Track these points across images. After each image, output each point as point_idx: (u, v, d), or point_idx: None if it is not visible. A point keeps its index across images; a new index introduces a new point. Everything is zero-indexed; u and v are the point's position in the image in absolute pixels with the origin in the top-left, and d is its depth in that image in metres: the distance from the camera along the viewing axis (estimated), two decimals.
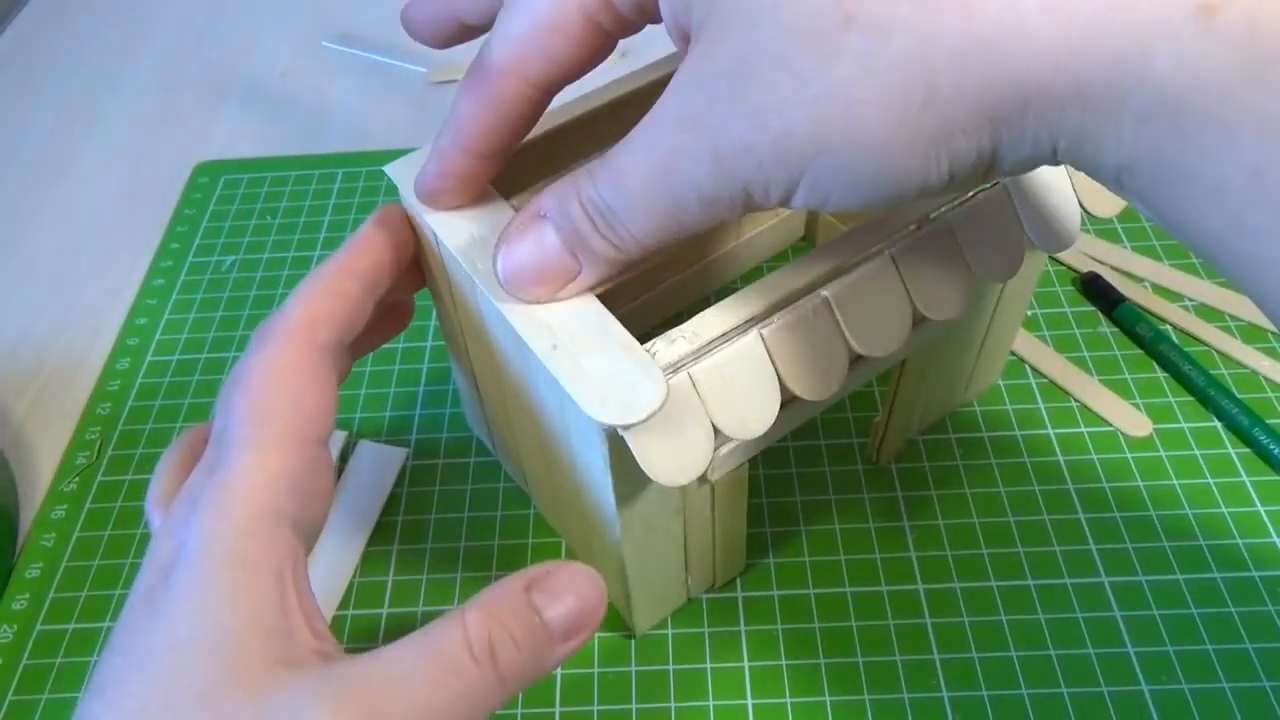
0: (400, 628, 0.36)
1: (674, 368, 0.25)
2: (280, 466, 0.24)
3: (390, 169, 0.30)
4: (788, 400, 0.27)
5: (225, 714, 0.21)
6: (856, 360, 0.28)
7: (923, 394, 0.38)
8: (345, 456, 0.41)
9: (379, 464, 0.41)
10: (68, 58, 0.66)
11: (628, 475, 0.27)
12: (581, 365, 0.25)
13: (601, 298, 0.27)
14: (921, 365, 0.36)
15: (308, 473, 0.25)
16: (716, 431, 0.26)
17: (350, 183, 0.54)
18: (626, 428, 0.24)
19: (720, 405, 0.26)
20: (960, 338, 0.36)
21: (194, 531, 0.23)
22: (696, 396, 0.25)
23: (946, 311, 0.29)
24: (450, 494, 0.40)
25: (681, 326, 0.26)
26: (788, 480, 0.39)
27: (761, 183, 0.22)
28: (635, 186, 0.23)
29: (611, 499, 0.28)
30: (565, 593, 0.24)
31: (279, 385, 0.25)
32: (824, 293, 0.27)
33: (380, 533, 0.39)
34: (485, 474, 0.41)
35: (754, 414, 0.26)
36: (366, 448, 0.41)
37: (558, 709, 0.34)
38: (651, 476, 0.25)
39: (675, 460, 0.25)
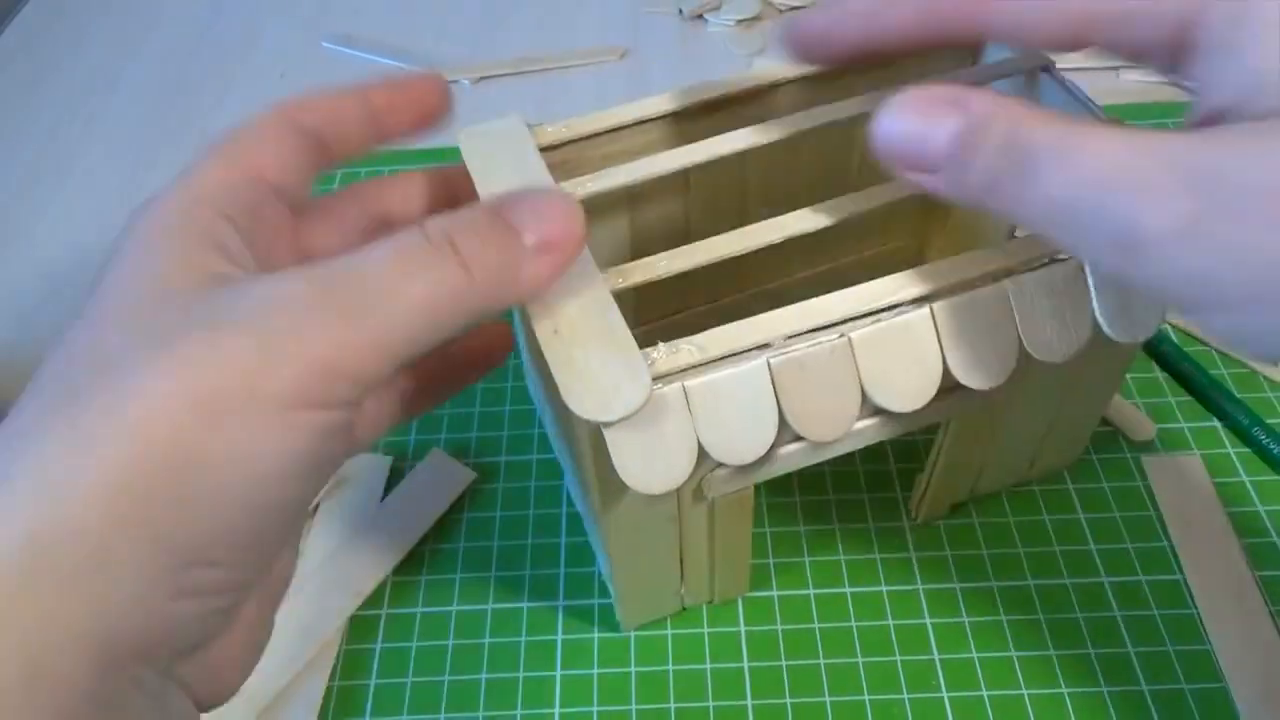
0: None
1: (669, 377, 0.25)
2: (219, 175, 0.23)
3: (463, 136, 0.31)
4: (793, 436, 0.26)
5: (159, 301, 0.20)
6: (878, 412, 0.27)
7: (973, 462, 0.36)
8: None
9: (443, 478, 0.40)
10: (68, 58, 0.66)
11: (610, 472, 0.27)
12: (574, 356, 0.25)
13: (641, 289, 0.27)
14: (971, 431, 0.33)
15: (247, 189, 0.23)
16: (704, 450, 0.25)
17: (350, 184, 0.54)
18: (601, 425, 0.24)
19: (710, 424, 0.25)
20: (1022, 411, 0.34)
21: (138, 217, 0.22)
22: (686, 410, 0.25)
23: (982, 381, 0.27)
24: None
25: (693, 337, 0.26)
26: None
27: None
28: (1086, 172, 0.20)
29: (597, 490, 0.28)
30: (532, 204, 0.23)
31: (236, 134, 0.24)
32: (848, 333, 0.26)
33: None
34: (505, 472, 0.41)
35: (745, 441, 0.26)
36: (438, 456, 0.40)
37: (557, 710, 0.34)
38: (623, 478, 0.25)
39: (651, 468, 0.25)
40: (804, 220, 0.29)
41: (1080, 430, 0.37)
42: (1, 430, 0.20)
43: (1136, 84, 0.57)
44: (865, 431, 0.29)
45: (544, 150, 0.31)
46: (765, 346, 0.26)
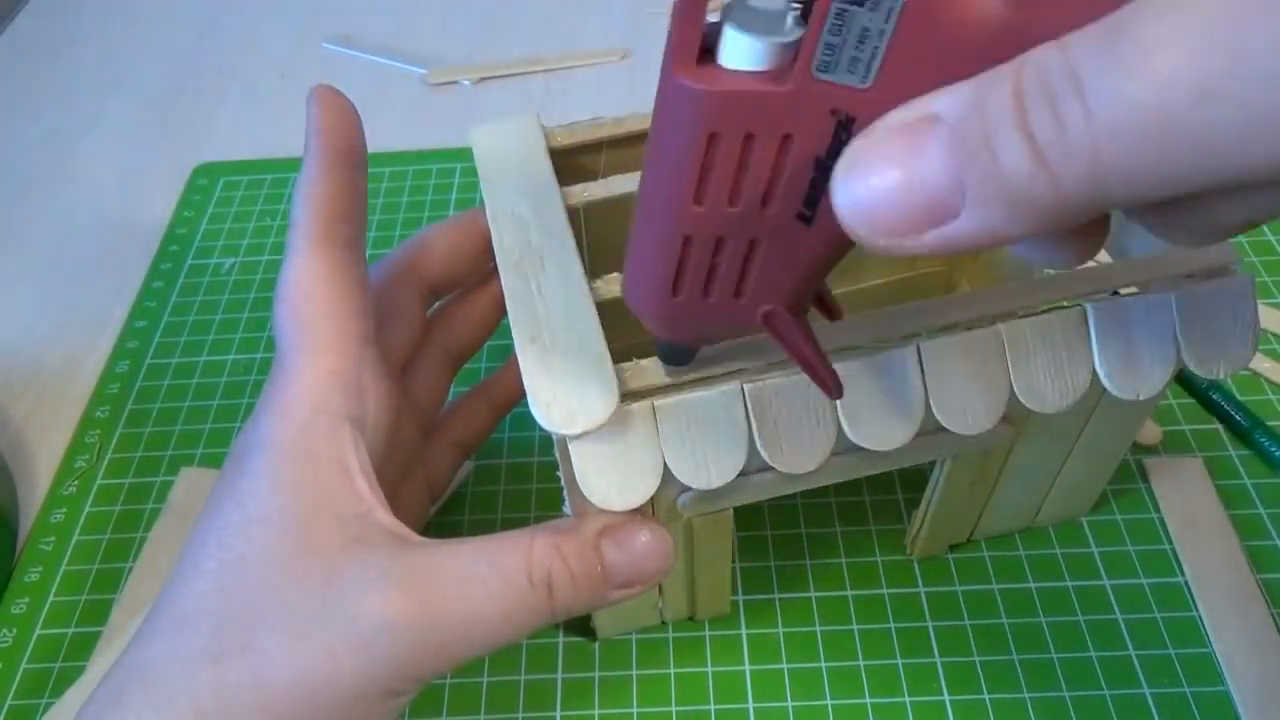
0: None
1: (640, 394, 0.25)
2: (329, 367, 0.26)
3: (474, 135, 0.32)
4: (764, 465, 0.26)
5: (298, 577, 0.23)
6: (856, 447, 0.26)
7: (970, 507, 0.35)
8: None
9: None
10: (68, 58, 0.66)
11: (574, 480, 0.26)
12: (549, 364, 0.25)
13: None
14: (966, 475, 0.32)
15: (355, 370, 0.26)
16: (670, 472, 0.25)
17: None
18: (563, 436, 0.24)
19: (677, 446, 0.25)
20: (1024, 459, 0.32)
21: (260, 431, 0.25)
22: (654, 429, 0.25)
23: (966, 426, 0.26)
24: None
25: None
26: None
27: None
28: (1161, 34, 0.13)
29: (569, 495, 0.28)
30: (632, 546, 0.26)
31: (312, 293, 0.26)
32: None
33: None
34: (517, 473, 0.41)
35: (712, 466, 0.25)
36: None
37: (559, 713, 0.34)
38: (583, 491, 0.25)
39: (613, 484, 0.25)
40: None
41: (1091, 483, 0.36)
42: (150, 640, 0.24)
43: None
44: (840, 466, 0.28)
45: (555, 153, 0.31)
46: (742, 371, 0.25)
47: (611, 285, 0.27)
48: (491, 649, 0.25)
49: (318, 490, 0.24)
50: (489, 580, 0.24)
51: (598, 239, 0.34)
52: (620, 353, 0.25)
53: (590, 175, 0.31)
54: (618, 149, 0.33)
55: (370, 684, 0.24)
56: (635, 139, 0.33)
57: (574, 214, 0.29)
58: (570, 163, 0.32)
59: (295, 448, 0.25)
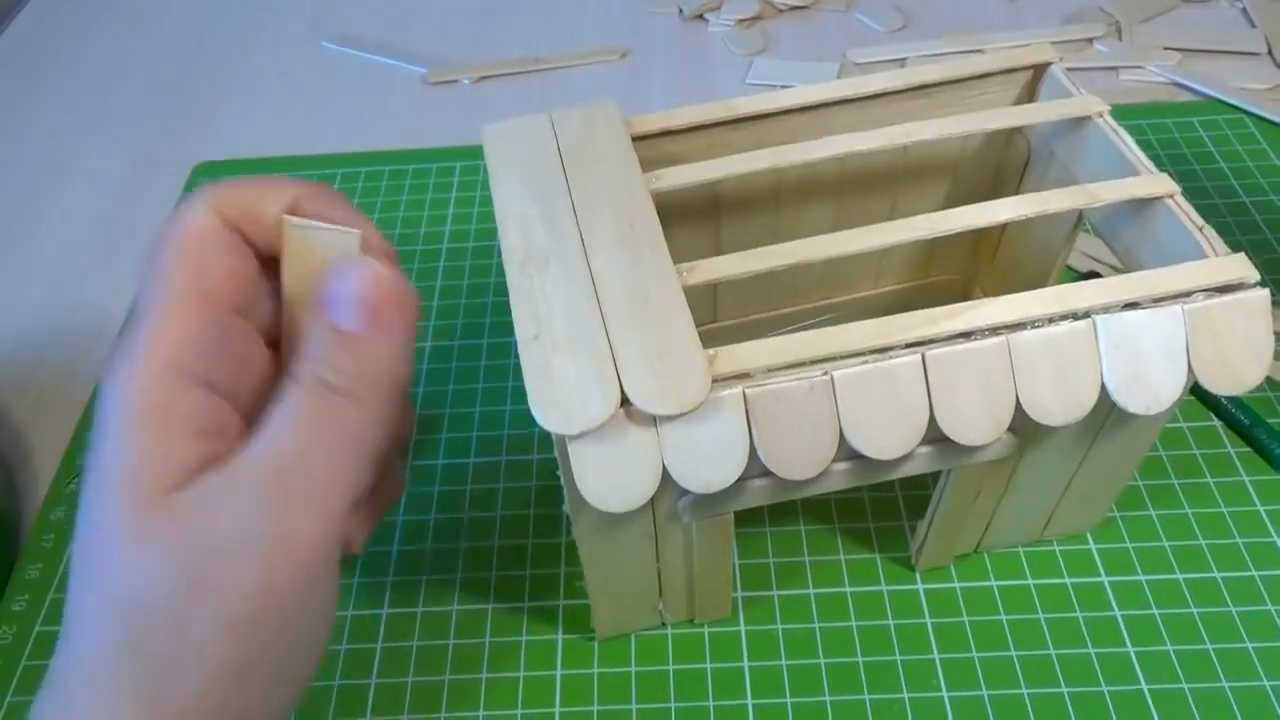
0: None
1: None
2: (186, 328, 0.24)
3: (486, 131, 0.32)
4: (764, 470, 0.26)
5: (137, 521, 0.22)
6: (857, 455, 0.26)
7: (976, 519, 0.34)
8: None
9: None
10: (68, 58, 0.66)
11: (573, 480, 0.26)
12: (550, 364, 0.25)
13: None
14: (971, 485, 0.32)
15: (217, 335, 0.25)
16: (669, 474, 0.25)
17: (349, 183, 0.54)
18: (565, 437, 0.24)
19: (677, 449, 0.25)
20: (1031, 470, 0.32)
21: (112, 387, 0.24)
22: (654, 431, 0.25)
23: (970, 436, 0.26)
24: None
25: None
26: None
27: None
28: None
29: (568, 493, 0.28)
30: (351, 291, 0.24)
31: (183, 253, 0.25)
32: (831, 371, 0.25)
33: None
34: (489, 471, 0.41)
35: (711, 470, 0.25)
36: None
37: (558, 709, 0.34)
38: (580, 491, 0.24)
39: (611, 485, 0.25)
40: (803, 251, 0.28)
41: (1100, 497, 0.35)
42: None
43: (1135, 83, 0.57)
44: (842, 474, 0.28)
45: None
46: (744, 376, 0.25)
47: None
48: (357, 480, 0.24)
49: (156, 445, 0.23)
50: (294, 430, 0.24)
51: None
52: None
53: None
54: (642, 149, 0.33)
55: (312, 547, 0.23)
56: (647, 138, 0.33)
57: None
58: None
59: (137, 406, 0.23)
